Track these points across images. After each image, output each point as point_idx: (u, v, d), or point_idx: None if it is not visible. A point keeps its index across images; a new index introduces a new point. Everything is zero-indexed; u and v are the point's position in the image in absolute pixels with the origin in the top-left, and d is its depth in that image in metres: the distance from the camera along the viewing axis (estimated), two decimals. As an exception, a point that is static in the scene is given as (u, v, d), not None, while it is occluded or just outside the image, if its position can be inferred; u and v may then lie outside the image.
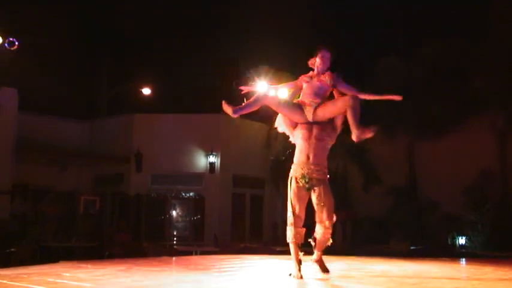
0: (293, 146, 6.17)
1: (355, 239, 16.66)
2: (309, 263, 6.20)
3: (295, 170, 5.92)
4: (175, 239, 17.52)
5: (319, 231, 5.92)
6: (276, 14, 18.93)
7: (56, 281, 5.47)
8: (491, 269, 7.71)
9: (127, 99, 21.29)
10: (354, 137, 5.72)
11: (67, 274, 6.08)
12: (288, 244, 5.93)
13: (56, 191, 17.11)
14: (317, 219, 5.92)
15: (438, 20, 17.41)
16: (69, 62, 20.85)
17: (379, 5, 17.82)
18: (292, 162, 6.01)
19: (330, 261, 6.40)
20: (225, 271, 6.88)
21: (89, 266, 7.19)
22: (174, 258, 9.64)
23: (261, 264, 8.08)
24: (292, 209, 5.87)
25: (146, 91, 20.22)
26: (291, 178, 5.95)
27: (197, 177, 17.95)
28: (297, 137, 6.06)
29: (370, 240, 15.92)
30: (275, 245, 14.88)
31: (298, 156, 5.97)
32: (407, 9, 17.85)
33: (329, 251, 6.27)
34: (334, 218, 5.92)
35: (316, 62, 6.20)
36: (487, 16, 16.19)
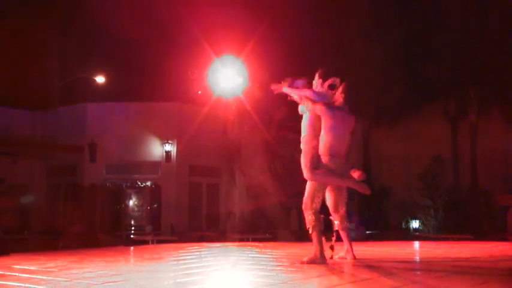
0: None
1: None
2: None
3: None
4: (132, 228, 17.35)
5: None
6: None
7: (6, 273, 5.33)
8: (442, 250, 7.91)
9: (80, 88, 20.81)
10: None
11: (18, 266, 5.94)
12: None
13: (8, 183, 16.66)
14: None
15: (394, 8, 17.49)
16: (19, 49, 20.22)
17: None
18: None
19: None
20: (181, 260, 6.83)
21: (42, 257, 7.04)
22: (129, 248, 9.54)
23: (218, 252, 8.05)
24: None
25: (100, 79, 19.86)
26: None
27: (153, 166, 17.77)
28: None
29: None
30: (232, 233, 14.95)
31: None
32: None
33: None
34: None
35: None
36: (440, 9, 16.41)
